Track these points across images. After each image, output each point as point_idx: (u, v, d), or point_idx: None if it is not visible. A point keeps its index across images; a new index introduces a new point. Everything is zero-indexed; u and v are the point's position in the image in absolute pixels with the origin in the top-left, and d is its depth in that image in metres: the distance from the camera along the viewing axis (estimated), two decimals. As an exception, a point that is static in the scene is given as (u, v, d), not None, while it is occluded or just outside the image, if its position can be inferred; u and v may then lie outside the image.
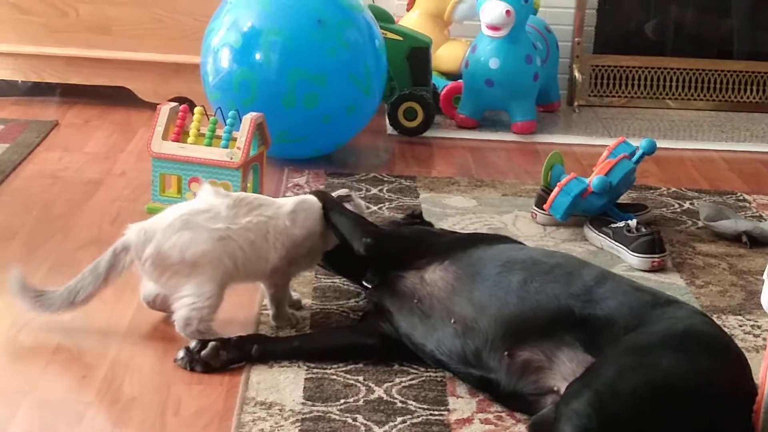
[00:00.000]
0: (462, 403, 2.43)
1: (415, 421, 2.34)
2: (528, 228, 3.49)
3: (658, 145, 3.62)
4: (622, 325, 2.27)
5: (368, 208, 3.40)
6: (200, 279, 2.53)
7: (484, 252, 2.56)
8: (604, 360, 2.18)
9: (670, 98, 5.13)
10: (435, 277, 2.54)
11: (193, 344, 2.52)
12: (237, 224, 2.58)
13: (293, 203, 2.71)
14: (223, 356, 2.51)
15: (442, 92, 4.63)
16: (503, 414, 2.39)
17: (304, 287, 2.94)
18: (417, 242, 2.69)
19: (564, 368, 2.27)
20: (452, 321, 2.45)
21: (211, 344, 2.52)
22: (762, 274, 3.01)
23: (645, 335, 2.22)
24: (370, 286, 2.70)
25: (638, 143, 3.59)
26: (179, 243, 2.52)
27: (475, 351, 2.40)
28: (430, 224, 3.00)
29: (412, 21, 4.77)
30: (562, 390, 2.20)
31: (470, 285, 2.47)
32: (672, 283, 3.09)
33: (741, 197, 3.89)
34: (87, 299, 2.56)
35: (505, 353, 2.35)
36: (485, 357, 2.38)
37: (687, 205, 3.78)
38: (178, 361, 2.51)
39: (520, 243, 2.78)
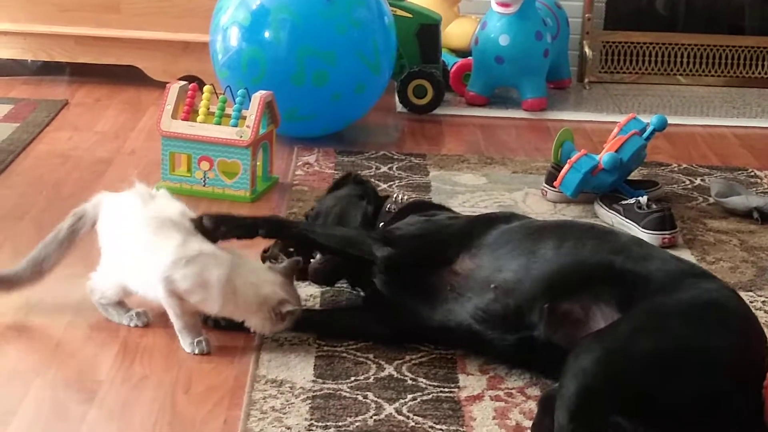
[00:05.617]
0: (472, 380, 2.43)
1: (425, 398, 2.35)
2: (538, 205, 3.49)
3: (669, 122, 3.60)
4: (656, 289, 2.26)
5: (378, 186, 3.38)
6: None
7: (506, 228, 2.53)
8: (622, 319, 2.18)
9: (681, 74, 5.10)
10: (465, 266, 2.48)
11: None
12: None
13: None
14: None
15: (452, 69, 4.61)
16: (513, 391, 2.39)
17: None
18: (434, 238, 2.57)
19: (597, 327, 2.25)
20: (492, 286, 2.42)
21: None
22: (773, 251, 3.01)
23: (668, 300, 2.22)
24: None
25: (649, 119, 3.57)
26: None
27: (515, 309, 2.37)
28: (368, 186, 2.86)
29: (422, -2, 4.75)
30: None
31: (507, 255, 2.44)
32: (683, 260, 3.09)
33: (752, 173, 3.88)
34: (53, 266, 2.59)
35: (546, 306, 2.34)
36: (526, 313, 2.37)
37: (698, 181, 3.77)
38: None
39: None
